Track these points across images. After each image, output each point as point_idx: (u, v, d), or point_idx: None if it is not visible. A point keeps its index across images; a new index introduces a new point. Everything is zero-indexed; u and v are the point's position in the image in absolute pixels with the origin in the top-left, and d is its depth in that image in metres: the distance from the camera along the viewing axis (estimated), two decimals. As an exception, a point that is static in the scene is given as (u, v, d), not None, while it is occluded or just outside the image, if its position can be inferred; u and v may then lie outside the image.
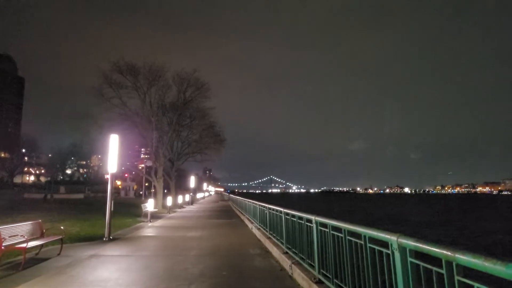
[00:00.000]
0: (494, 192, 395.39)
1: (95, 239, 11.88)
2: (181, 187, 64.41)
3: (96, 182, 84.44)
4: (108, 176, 12.92)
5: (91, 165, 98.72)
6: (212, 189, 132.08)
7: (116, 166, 12.92)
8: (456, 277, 2.42)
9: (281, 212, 8.94)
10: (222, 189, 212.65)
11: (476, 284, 2.23)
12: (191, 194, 43.67)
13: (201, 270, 7.42)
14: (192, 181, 49.73)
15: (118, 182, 77.33)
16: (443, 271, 2.53)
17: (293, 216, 7.58)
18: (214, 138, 36.61)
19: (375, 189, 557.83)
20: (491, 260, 2.04)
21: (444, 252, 2.47)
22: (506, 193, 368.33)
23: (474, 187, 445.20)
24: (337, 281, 4.87)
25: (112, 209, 12.45)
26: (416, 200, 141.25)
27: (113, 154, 12.82)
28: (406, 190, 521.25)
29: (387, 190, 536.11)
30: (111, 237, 11.99)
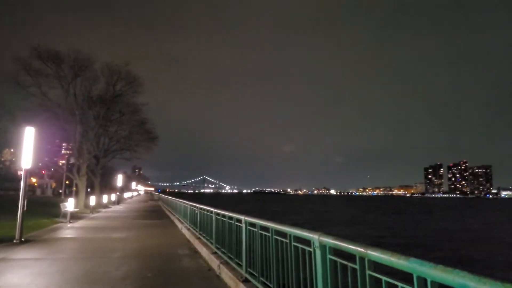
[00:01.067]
0: (408, 195, 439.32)
1: (3, 241, 10.67)
2: (107, 186, 60.73)
3: (7, 179, 75.58)
4: (21, 173, 11.70)
5: (2, 159, 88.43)
6: (141, 188, 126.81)
7: (31, 162, 11.76)
8: (368, 272, 2.64)
9: (211, 212, 8.93)
10: (152, 189, 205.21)
11: (384, 278, 2.46)
12: (117, 193, 41.39)
13: (125, 272, 7.09)
14: (119, 180, 47.27)
15: (34, 180, 70.43)
16: (357, 266, 2.74)
17: (224, 216, 7.62)
18: (145, 135, 35.14)
19: (304, 190, 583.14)
20: (396, 255, 2.28)
21: (358, 249, 2.69)
22: (417, 195, 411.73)
23: (391, 190, 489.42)
24: (263, 279, 5.02)
25: (25, 208, 11.31)
26: (340, 201, 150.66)
27: (28, 148, 11.65)
28: (332, 191, 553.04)
29: (315, 192, 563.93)
30: (23, 239, 10.88)
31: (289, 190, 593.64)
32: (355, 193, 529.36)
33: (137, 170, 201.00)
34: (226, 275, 6.48)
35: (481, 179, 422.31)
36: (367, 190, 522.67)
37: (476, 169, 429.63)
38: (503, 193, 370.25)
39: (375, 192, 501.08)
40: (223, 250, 7.49)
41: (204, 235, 10.03)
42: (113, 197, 37.32)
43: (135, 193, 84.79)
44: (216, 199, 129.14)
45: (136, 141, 34.41)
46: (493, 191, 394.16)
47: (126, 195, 58.68)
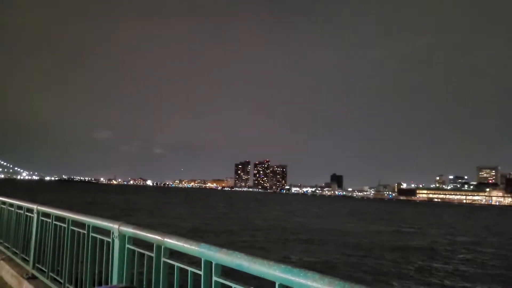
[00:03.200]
0: (219, 188, 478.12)
1: None
2: None
3: None
4: None
5: None
6: None
7: None
8: (162, 259, 2.77)
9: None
10: None
11: (176, 264, 2.63)
12: None
13: None
14: None
15: None
16: (154, 255, 2.84)
17: (11, 205, 6.56)
18: None
19: (119, 180, 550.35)
20: (189, 241, 2.48)
21: (156, 237, 2.80)
22: (227, 189, 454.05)
23: (205, 182, 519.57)
24: (52, 275, 4.65)
25: None
26: (157, 192, 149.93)
27: None
28: (149, 182, 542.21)
29: (131, 182, 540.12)
30: None
31: (102, 179, 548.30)
32: (171, 184, 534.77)
33: None
34: (7, 273, 5.65)
35: (279, 176, 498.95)
36: (183, 182, 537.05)
37: (275, 167, 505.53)
38: (293, 189, 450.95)
39: (191, 184, 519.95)
40: (6, 244, 6.48)
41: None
42: None
43: None
44: (6, 186, 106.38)
45: None
46: (286, 187, 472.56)
47: None
